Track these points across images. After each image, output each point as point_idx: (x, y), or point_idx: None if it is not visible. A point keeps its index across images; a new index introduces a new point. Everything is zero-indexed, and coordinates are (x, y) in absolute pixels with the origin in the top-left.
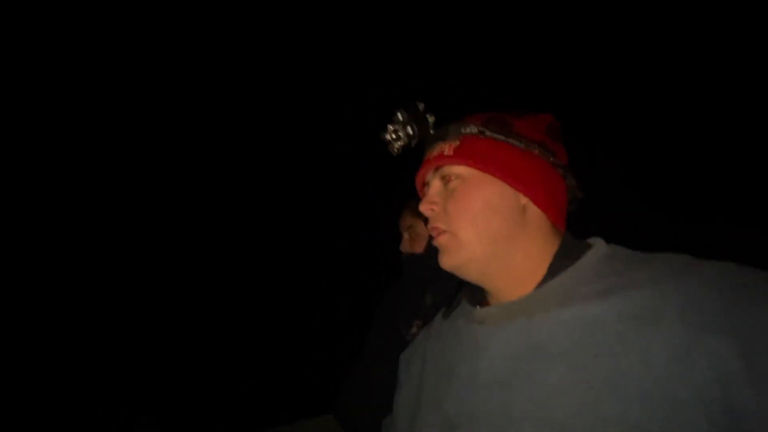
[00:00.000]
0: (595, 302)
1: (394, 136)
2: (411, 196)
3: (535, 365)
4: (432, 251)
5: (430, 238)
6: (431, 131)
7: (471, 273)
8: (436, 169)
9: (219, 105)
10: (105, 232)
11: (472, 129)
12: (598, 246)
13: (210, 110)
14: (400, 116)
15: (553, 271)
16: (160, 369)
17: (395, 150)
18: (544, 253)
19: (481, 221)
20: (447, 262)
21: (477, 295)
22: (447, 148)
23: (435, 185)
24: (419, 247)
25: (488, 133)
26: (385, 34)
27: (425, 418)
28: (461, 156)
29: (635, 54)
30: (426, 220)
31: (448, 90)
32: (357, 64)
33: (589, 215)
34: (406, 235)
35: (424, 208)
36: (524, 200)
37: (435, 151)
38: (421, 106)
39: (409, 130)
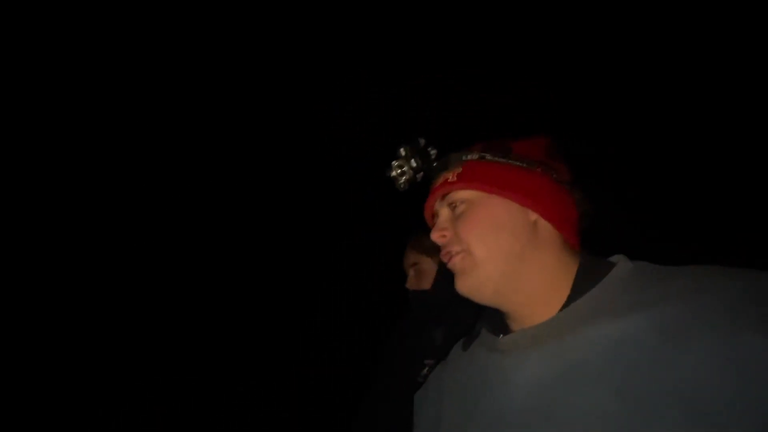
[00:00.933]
0: (625, 318)
1: (399, 171)
2: (415, 224)
3: (569, 391)
4: (439, 287)
5: (438, 273)
6: (434, 164)
7: (487, 293)
8: (443, 197)
9: (216, 105)
10: (96, 233)
11: (473, 155)
12: (622, 263)
13: (207, 111)
14: (402, 151)
15: (578, 290)
16: (154, 370)
17: (401, 185)
18: (564, 272)
19: (491, 238)
20: (464, 283)
21: (498, 322)
22: (451, 175)
23: (443, 213)
24: (426, 284)
25: (489, 157)
26: (384, 33)
27: None
28: (464, 180)
29: (638, 55)
30: (431, 255)
31: (447, 90)
32: (357, 64)
33: (605, 232)
34: (411, 273)
35: (435, 236)
36: (533, 216)
37: (439, 181)
38: (422, 141)
39: (413, 163)
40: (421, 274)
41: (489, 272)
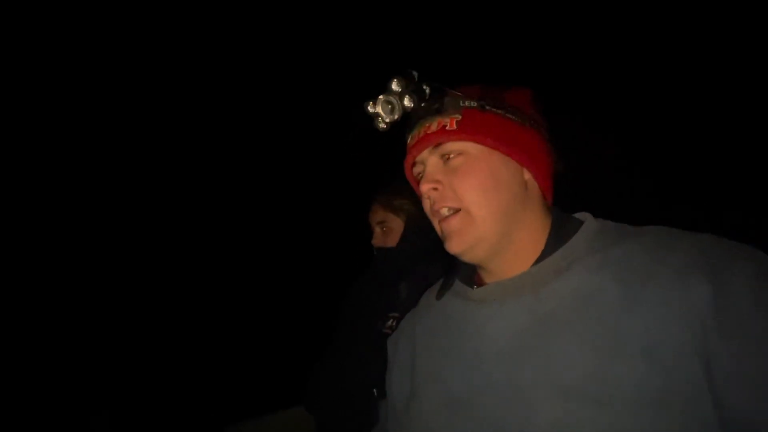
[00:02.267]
0: (592, 274)
1: (387, 107)
2: (382, 180)
3: (541, 337)
4: (405, 245)
5: (405, 231)
6: (428, 104)
7: (479, 253)
8: (437, 145)
9: (212, 107)
10: (78, 233)
11: (471, 103)
12: (589, 221)
13: (203, 114)
14: (394, 85)
15: (550, 246)
16: (125, 363)
17: (383, 125)
18: (542, 229)
19: (493, 196)
20: (459, 244)
21: (469, 274)
22: (449, 122)
23: (432, 163)
24: (392, 241)
25: (488, 107)
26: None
27: (424, 395)
28: (466, 131)
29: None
30: (398, 214)
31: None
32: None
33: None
34: (378, 230)
35: (426, 187)
36: (528, 175)
37: (433, 126)
38: (416, 74)
39: (407, 101)
40: (388, 232)
41: (486, 233)
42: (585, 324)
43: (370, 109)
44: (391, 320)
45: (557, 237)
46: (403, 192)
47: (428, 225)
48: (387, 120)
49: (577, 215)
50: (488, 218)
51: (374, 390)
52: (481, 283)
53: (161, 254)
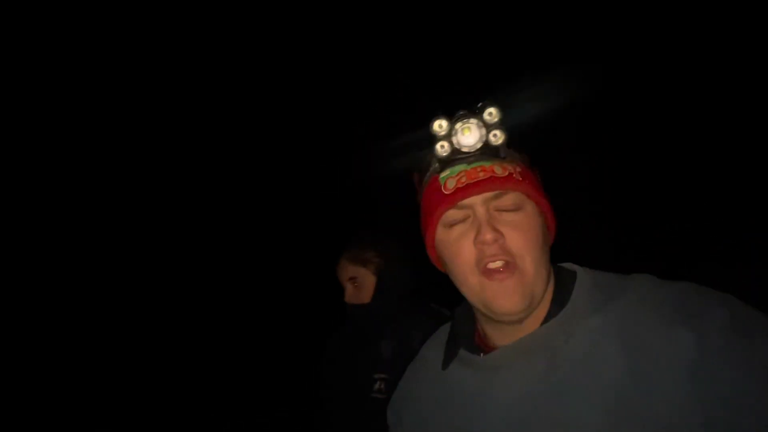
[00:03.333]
0: (599, 337)
1: (469, 133)
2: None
3: (557, 404)
4: (379, 300)
5: (378, 285)
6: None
7: (524, 314)
8: (498, 194)
9: (208, 110)
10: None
11: (522, 155)
12: (580, 274)
13: (200, 116)
14: (488, 115)
15: (556, 304)
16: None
17: (444, 152)
18: (549, 282)
19: (542, 258)
20: (515, 303)
21: (470, 334)
22: (514, 171)
23: (489, 210)
24: (365, 297)
25: (525, 165)
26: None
27: None
28: (530, 185)
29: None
30: (368, 268)
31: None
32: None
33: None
34: (350, 286)
35: (489, 237)
36: (548, 234)
37: (497, 170)
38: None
39: (492, 137)
40: (360, 287)
41: (536, 292)
42: (602, 393)
43: (441, 127)
44: (379, 382)
45: (559, 293)
46: (369, 244)
47: (400, 276)
48: (460, 146)
49: (565, 266)
50: (539, 278)
51: None
52: (485, 345)
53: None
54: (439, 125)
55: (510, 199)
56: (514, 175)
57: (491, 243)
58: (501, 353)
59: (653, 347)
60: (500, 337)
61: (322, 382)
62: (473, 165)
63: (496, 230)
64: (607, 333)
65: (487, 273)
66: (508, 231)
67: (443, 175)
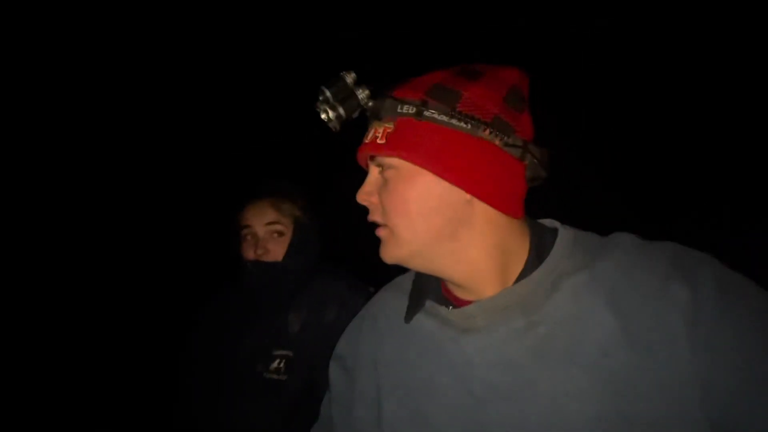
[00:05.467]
0: (585, 295)
1: (325, 115)
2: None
3: (540, 370)
4: (295, 258)
5: (293, 239)
6: (370, 103)
7: (417, 267)
8: (372, 156)
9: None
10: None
11: (409, 109)
12: (561, 231)
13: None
14: (326, 94)
15: (531, 262)
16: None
17: (333, 128)
18: (511, 244)
19: (419, 221)
20: (386, 256)
21: (437, 289)
22: (381, 133)
23: (372, 172)
24: (278, 254)
25: (427, 113)
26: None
27: None
28: (393, 146)
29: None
30: (293, 217)
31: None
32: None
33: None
34: (266, 234)
35: (360, 198)
36: (468, 195)
37: (369, 135)
38: (350, 78)
39: (341, 110)
40: (280, 239)
41: (414, 250)
42: (588, 355)
43: (319, 113)
44: (278, 360)
45: (537, 250)
46: (291, 193)
47: (316, 238)
48: (332, 125)
49: (545, 222)
50: (414, 240)
51: None
52: (457, 301)
53: None
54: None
55: (381, 160)
56: (378, 139)
57: (363, 203)
58: (473, 310)
59: (646, 304)
60: (459, 292)
61: (186, 365)
62: (369, 129)
63: (365, 192)
64: (594, 290)
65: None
66: (382, 191)
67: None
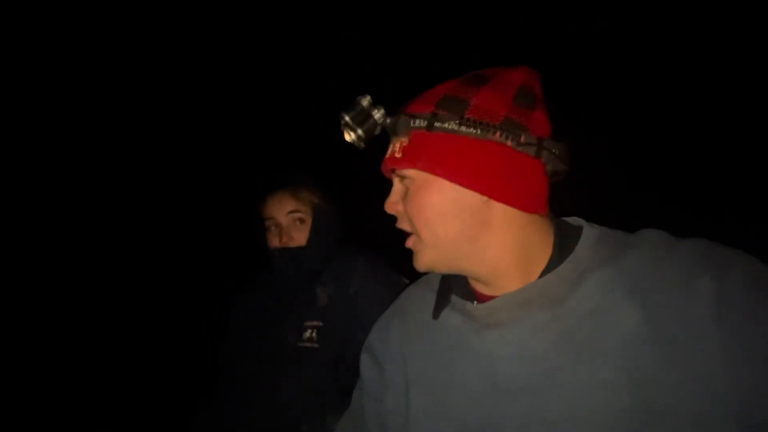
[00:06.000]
0: (610, 291)
1: (349, 138)
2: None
3: (563, 362)
4: (317, 241)
5: (314, 226)
6: (386, 121)
7: (443, 269)
8: (392, 170)
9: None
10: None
11: (420, 123)
12: (587, 228)
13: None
14: (345, 119)
15: (555, 258)
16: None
17: (358, 147)
18: (534, 240)
19: (439, 227)
20: (417, 264)
21: (464, 286)
22: (398, 147)
23: (396, 183)
24: (302, 239)
25: (437, 124)
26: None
27: (431, 428)
28: (408, 159)
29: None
30: (313, 205)
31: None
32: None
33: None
34: (288, 222)
35: (387, 208)
36: (485, 197)
37: (390, 150)
38: (366, 101)
39: (360, 132)
40: (302, 227)
41: (439, 256)
42: (611, 349)
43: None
44: (310, 330)
45: (561, 246)
46: (308, 182)
47: (334, 221)
48: (360, 145)
49: (570, 220)
50: (437, 244)
51: (303, 427)
52: (481, 296)
53: None
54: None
55: (400, 173)
56: (396, 153)
57: (391, 212)
58: (497, 304)
59: (672, 298)
60: (483, 288)
61: (227, 344)
62: (391, 141)
63: (392, 202)
64: (619, 285)
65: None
66: (405, 201)
67: None
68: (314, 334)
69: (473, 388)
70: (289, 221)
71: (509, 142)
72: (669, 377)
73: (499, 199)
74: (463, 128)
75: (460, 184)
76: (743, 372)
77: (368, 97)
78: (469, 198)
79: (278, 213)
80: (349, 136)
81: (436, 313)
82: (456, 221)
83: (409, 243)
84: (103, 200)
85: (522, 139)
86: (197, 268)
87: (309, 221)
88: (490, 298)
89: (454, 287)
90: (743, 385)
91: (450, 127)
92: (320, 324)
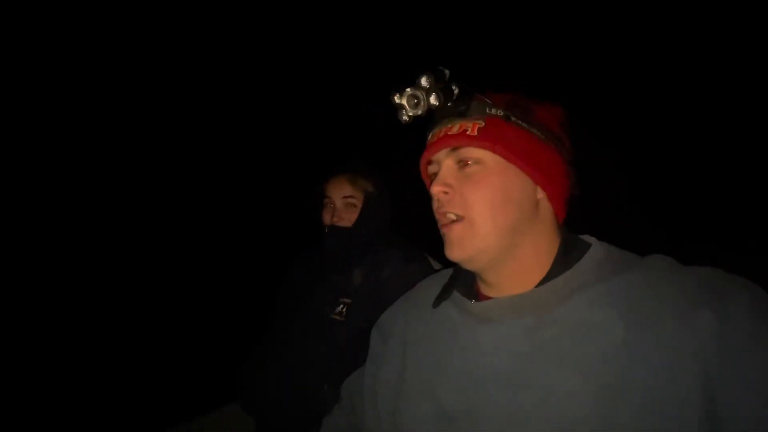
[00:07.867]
0: (599, 306)
1: (413, 101)
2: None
3: (541, 366)
4: (363, 225)
5: (363, 211)
6: (453, 104)
7: (478, 264)
8: (454, 148)
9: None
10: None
11: (498, 111)
12: (596, 246)
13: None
14: (425, 81)
15: (557, 268)
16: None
17: (406, 118)
18: (549, 250)
19: (500, 212)
20: (458, 253)
21: (470, 283)
22: (470, 127)
23: (448, 165)
24: (351, 220)
25: (513, 118)
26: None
27: (415, 405)
28: (487, 139)
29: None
30: (364, 192)
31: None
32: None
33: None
34: (341, 205)
35: (437, 189)
36: (541, 194)
37: (455, 128)
38: (447, 73)
39: (434, 99)
40: (352, 210)
41: (488, 246)
42: (589, 360)
43: (396, 99)
44: (342, 306)
45: (564, 259)
46: (366, 171)
47: (384, 211)
48: (410, 113)
49: (584, 237)
50: (492, 232)
51: (325, 386)
52: (481, 296)
53: None
54: (395, 97)
55: (466, 153)
56: (468, 132)
57: (440, 195)
58: (492, 304)
59: (666, 324)
60: (489, 290)
61: (276, 305)
62: (442, 123)
63: (444, 183)
64: (611, 301)
65: (443, 222)
66: (463, 183)
67: (429, 133)
68: (344, 310)
69: (458, 375)
70: (343, 203)
71: (562, 154)
72: (636, 397)
73: (552, 199)
74: (533, 129)
75: (532, 177)
76: (732, 409)
77: (449, 71)
78: (530, 192)
79: (335, 194)
80: (414, 100)
81: (436, 303)
82: (516, 211)
83: (456, 229)
84: (178, 177)
85: (566, 154)
86: (262, 240)
87: (359, 207)
88: (488, 298)
89: (459, 285)
90: (731, 420)
91: (522, 123)
92: (350, 302)
